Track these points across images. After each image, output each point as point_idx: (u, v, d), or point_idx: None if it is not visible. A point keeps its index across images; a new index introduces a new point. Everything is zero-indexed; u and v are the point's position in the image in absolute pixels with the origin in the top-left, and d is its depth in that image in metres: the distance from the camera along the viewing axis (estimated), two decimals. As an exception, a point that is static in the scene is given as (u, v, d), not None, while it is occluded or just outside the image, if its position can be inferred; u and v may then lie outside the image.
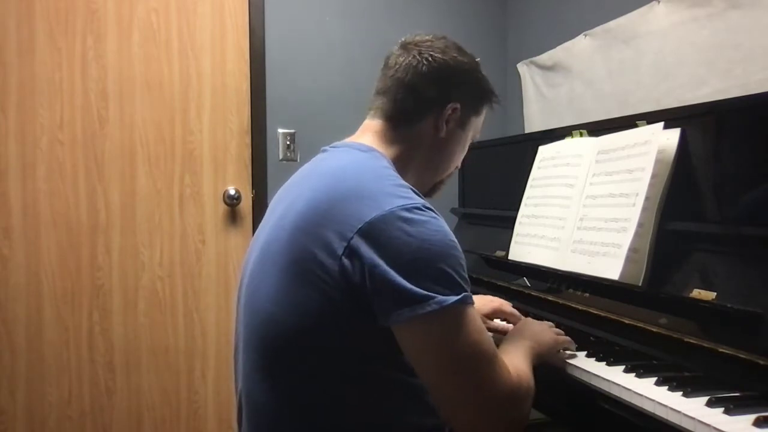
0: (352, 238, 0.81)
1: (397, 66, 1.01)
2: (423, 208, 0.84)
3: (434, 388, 0.84)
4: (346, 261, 0.81)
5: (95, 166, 2.12)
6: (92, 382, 2.13)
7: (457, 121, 1.03)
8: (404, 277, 0.79)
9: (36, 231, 2.07)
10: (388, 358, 0.87)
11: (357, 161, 0.94)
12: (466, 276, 0.84)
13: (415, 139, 1.01)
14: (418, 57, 0.99)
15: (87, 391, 2.13)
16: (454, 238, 0.85)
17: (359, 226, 0.81)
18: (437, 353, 0.82)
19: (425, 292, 0.79)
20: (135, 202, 2.17)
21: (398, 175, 0.92)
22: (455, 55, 1.02)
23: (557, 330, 1.13)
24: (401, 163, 0.99)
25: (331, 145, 1.03)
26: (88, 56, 2.11)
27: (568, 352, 1.11)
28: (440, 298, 0.79)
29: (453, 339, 0.81)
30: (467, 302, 0.82)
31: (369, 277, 0.80)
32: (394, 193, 0.85)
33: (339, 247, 0.82)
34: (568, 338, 1.12)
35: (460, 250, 0.85)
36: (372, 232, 0.81)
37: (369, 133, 1.02)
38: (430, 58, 0.99)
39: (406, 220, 0.81)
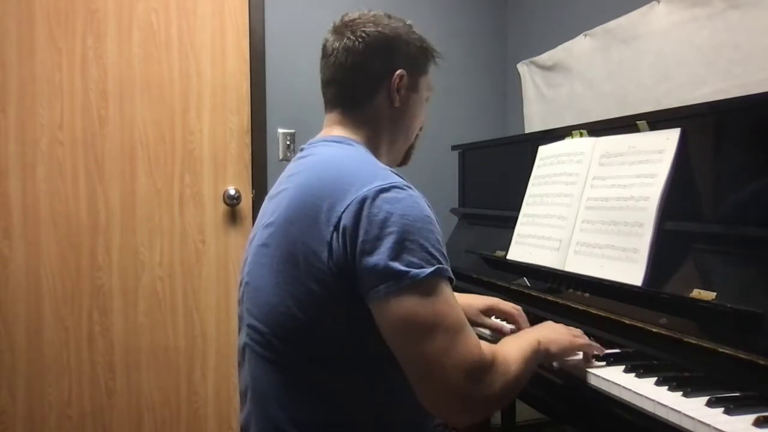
0: (337, 222, 0.85)
1: (336, 52, 1.02)
2: (400, 186, 0.87)
3: (405, 365, 0.84)
4: (334, 244, 0.85)
5: (95, 166, 2.12)
6: (92, 382, 2.13)
7: (408, 86, 1.04)
8: (384, 254, 0.81)
9: (36, 231, 2.07)
10: (383, 344, 0.87)
11: (334, 154, 0.98)
12: (443, 250, 0.87)
13: (376, 117, 1.03)
14: (352, 37, 1.01)
15: (87, 391, 2.13)
16: (430, 213, 0.88)
17: (342, 210, 0.85)
18: (406, 325, 0.82)
19: (401, 268, 0.81)
20: (135, 202, 2.17)
21: (373, 157, 0.97)
22: (387, 23, 1.03)
23: (577, 332, 1.08)
24: (372, 144, 1.03)
25: (307, 144, 1.05)
26: (88, 56, 2.11)
27: (594, 361, 1.05)
28: (414, 272, 0.81)
29: (421, 309, 0.81)
30: (441, 275, 0.84)
31: (352, 256, 0.84)
32: (373, 175, 0.88)
33: (327, 233, 0.86)
34: (588, 342, 1.06)
35: (437, 224, 0.88)
36: (353, 213, 0.84)
37: (334, 125, 1.05)
38: (363, 35, 1.00)
39: (384, 200, 0.84)
